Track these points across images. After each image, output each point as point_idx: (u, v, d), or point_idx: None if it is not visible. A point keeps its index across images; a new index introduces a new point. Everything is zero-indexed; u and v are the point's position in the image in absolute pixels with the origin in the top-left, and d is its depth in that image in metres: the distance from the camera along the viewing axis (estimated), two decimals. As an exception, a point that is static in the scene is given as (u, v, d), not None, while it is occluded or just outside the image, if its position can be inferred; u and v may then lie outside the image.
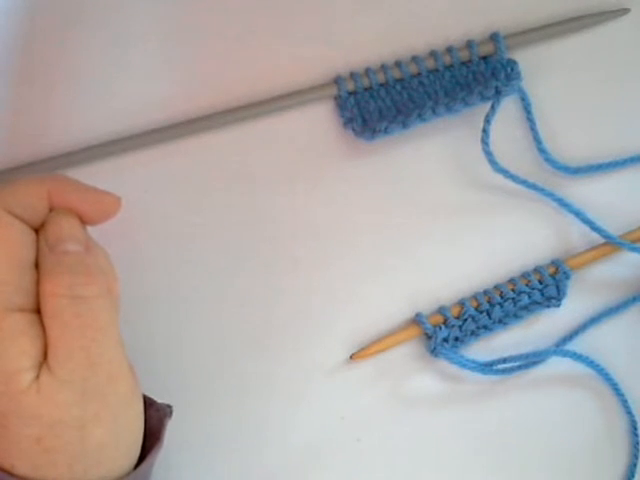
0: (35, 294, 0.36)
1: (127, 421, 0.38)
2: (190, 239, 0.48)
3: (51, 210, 0.38)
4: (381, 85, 0.50)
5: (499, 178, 0.49)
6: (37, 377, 0.35)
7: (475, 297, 0.50)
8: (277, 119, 0.49)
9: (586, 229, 0.51)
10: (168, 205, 0.48)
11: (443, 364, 0.49)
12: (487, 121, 0.48)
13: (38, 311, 0.36)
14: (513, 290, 0.50)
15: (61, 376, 0.35)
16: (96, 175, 0.44)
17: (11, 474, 0.36)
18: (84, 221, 0.39)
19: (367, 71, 0.49)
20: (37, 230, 0.38)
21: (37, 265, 0.37)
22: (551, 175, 0.51)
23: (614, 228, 0.51)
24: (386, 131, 0.48)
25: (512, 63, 0.49)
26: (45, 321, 0.36)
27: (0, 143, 0.47)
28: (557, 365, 0.50)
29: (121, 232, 0.44)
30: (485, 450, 0.50)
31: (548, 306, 0.50)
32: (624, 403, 0.51)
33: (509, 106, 0.50)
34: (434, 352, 0.49)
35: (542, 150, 0.51)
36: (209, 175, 0.49)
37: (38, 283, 0.36)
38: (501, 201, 0.51)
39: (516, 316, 0.50)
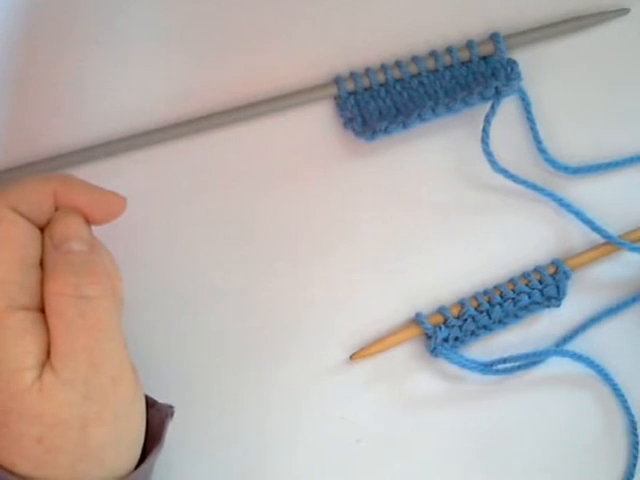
0: (39, 293, 0.36)
1: (129, 421, 0.38)
2: (190, 239, 0.48)
3: (57, 209, 0.38)
4: (381, 85, 0.50)
5: (499, 178, 0.49)
6: (39, 376, 0.35)
7: (475, 297, 0.50)
8: (277, 119, 0.49)
9: (586, 229, 0.51)
10: (168, 205, 0.48)
11: (443, 364, 0.49)
12: (487, 121, 0.48)
13: (42, 310, 0.36)
14: (513, 290, 0.50)
15: (63, 375, 0.35)
16: (96, 175, 0.43)
17: (12, 473, 0.36)
18: (89, 221, 0.39)
19: (367, 71, 0.49)
20: (42, 229, 0.38)
21: (42, 264, 0.37)
22: (551, 175, 0.51)
23: (614, 228, 0.51)
24: (386, 131, 0.48)
25: (512, 63, 0.49)
26: (49, 320, 0.36)
27: (0, 143, 0.47)
28: (557, 365, 0.50)
29: (121, 232, 0.44)
30: (485, 450, 0.50)
31: (548, 306, 0.50)
32: (624, 403, 0.51)
33: (509, 106, 0.50)
34: (434, 352, 0.49)
35: (542, 150, 0.51)
36: (209, 175, 0.49)
37: (43, 282, 0.36)
38: (501, 201, 0.51)
39: (516, 316, 0.50)
